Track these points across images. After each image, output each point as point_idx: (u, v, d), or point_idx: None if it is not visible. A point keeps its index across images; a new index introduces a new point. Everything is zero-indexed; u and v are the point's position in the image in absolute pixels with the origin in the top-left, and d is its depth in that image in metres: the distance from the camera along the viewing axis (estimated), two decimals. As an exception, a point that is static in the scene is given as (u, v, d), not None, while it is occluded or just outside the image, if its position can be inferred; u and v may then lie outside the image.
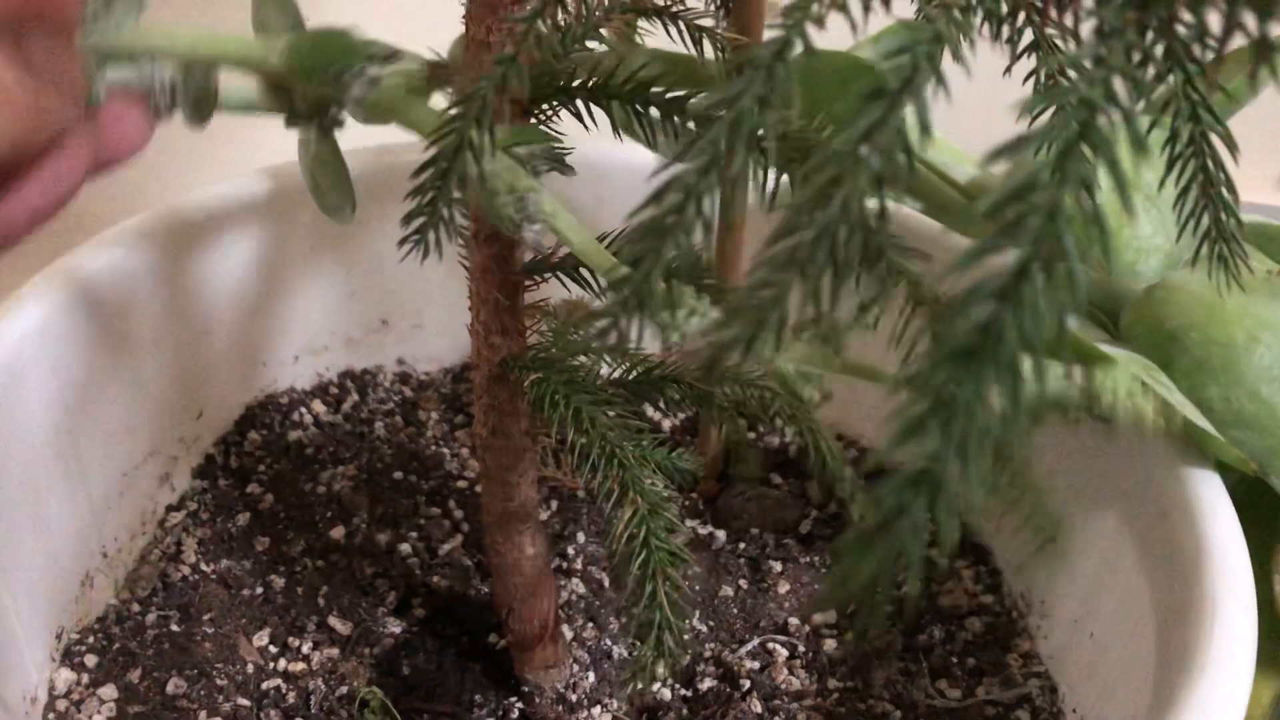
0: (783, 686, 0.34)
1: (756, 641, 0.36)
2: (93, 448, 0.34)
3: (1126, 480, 0.32)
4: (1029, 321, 0.13)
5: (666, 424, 0.44)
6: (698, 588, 0.38)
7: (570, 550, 0.38)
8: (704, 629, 0.37)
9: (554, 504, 0.40)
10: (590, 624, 0.36)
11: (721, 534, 0.40)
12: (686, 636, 0.36)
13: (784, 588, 0.38)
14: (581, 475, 0.27)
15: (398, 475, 0.40)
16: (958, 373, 0.13)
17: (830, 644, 0.36)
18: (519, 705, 0.34)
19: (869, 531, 0.14)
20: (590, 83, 0.24)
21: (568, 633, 0.36)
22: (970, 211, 0.35)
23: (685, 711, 0.34)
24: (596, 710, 0.34)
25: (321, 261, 0.41)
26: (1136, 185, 0.33)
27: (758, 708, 0.34)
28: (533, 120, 0.25)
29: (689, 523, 0.40)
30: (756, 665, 0.35)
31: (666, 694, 0.35)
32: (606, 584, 0.38)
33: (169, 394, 0.37)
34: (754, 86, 0.16)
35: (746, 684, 0.34)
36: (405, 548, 0.37)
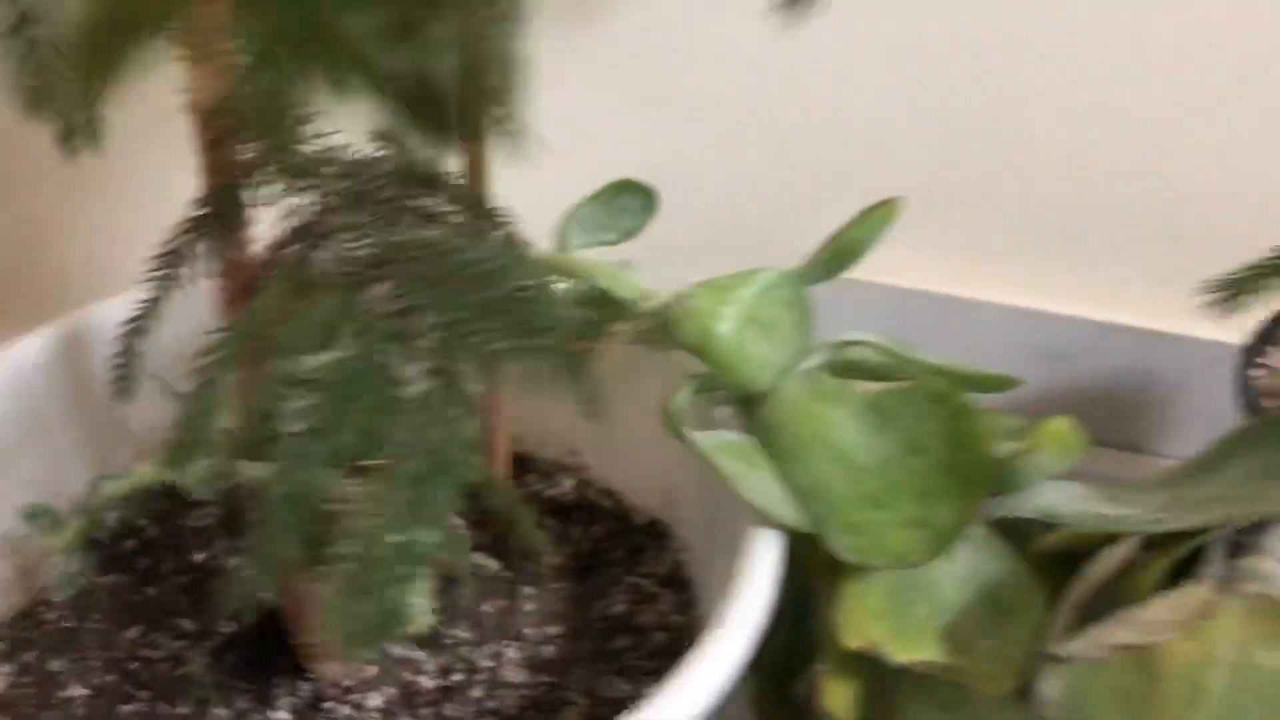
0: (506, 679, 0.47)
1: (496, 646, 0.48)
2: (15, 497, 0.48)
3: (731, 534, 0.43)
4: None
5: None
6: (467, 606, 0.50)
7: (372, 574, 0.51)
8: (466, 636, 0.49)
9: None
10: (381, 630, 0.49)
11: (496, 565, 0.52)
12: (450, 641, 0.49)
13: (529, 606, 0.50)
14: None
15: (249, 516, 0.53)
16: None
17: (549, 649, 0.48)
18: (308, 687, 0.46)
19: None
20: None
21: (358, 636, 0.48)
22: (649, 328, 0.47)
23: (436, 696, 0.47)
24: (372, 694, 0.46)
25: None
26: (757, 322, 0.45)
27: (479, 693, 0.46)
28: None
29: (476, 555, 0.53)
30: (491, 663, 0.47)
31: (429, 683, 0.47)
32: (399, 600, 0.50)
33: (72, 463, 0.51)
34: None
35: (480, 677, 0.47)
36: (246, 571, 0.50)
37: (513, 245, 0.28)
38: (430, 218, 0.29)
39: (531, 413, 0.57)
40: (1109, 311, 0.62)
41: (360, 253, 0.25)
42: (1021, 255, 0.63)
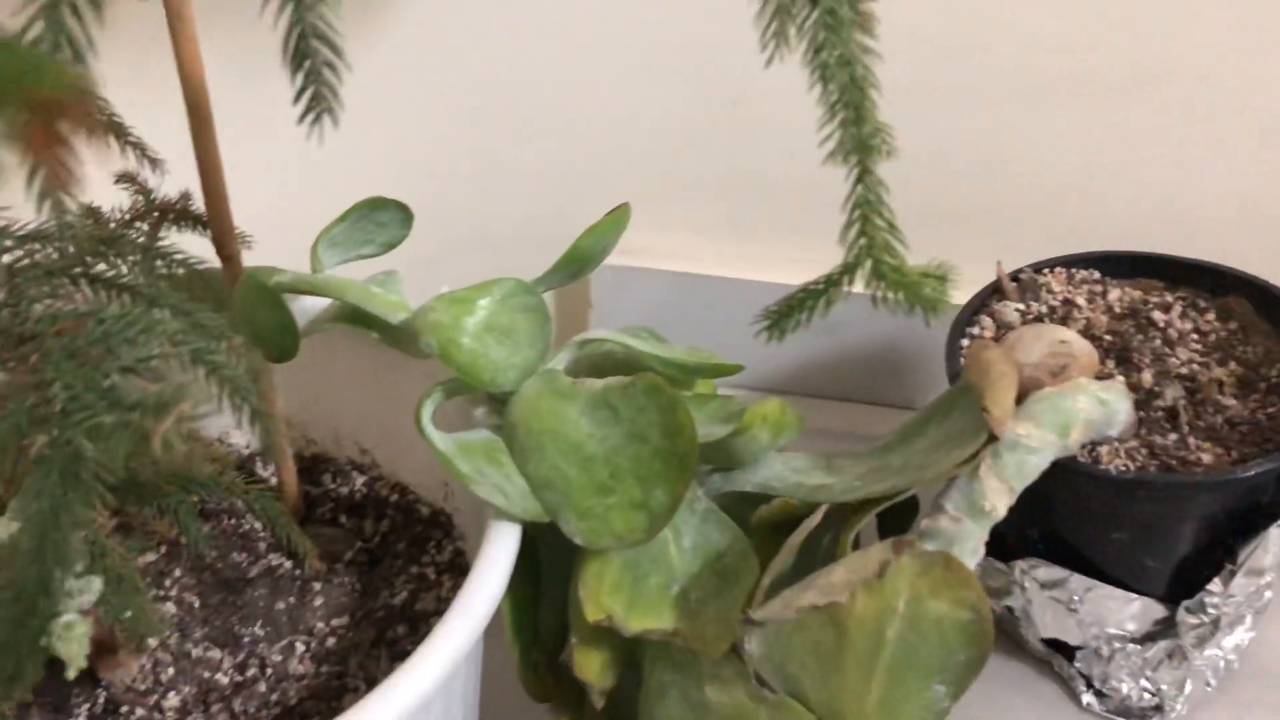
0: (292, 671, 0.50)
1: (286, 640, 0.52)
2: None
3: (478, 528, 0.47)
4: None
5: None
6: (262, 605, 0.54)
7: (168, 582, 0.54)
8: (261, 634, 0.53)
9: (162, 549, 0.55)
10: (178, 634, 0.52)
11: (289, 563, 0.55)
12: (247, 639, 0.52)
13: (318, 601, 0.53)
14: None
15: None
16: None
17: (332, 640, 0.52)
18: (104, 694, 0.49)
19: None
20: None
21: (154, 643, 0.51)
22: (402, 338, 0.50)
23: (230, 691, 0.50)
24: (171, 694, 0.50)
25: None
26: (495, 329, 0.48)
27: (264, 688, 0.49)
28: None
29: (271, 556, 0.56)
30: (280, 658, 0.51)
31: (224, 679, 0.51)
32: (196, 605, 0.54)
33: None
34: None
35: (269, 671, 0.50)
36: (43, 587, 0.53)
37: (184, 302, 0.31)
38: (108, 284, 0.32)
39: (324, 413, 0.60)
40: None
41: (15, 328, 0.28)
42: (784, 236, 0.67)
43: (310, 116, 0.25)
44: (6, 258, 0.31)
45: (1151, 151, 0.61)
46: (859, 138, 0.28)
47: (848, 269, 0.35)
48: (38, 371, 0.27)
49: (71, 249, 0.32)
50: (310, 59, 0.24)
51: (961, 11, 0.59)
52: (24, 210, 0.36)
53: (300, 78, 0.25)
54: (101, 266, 0.32)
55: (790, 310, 0.39)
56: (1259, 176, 0.60)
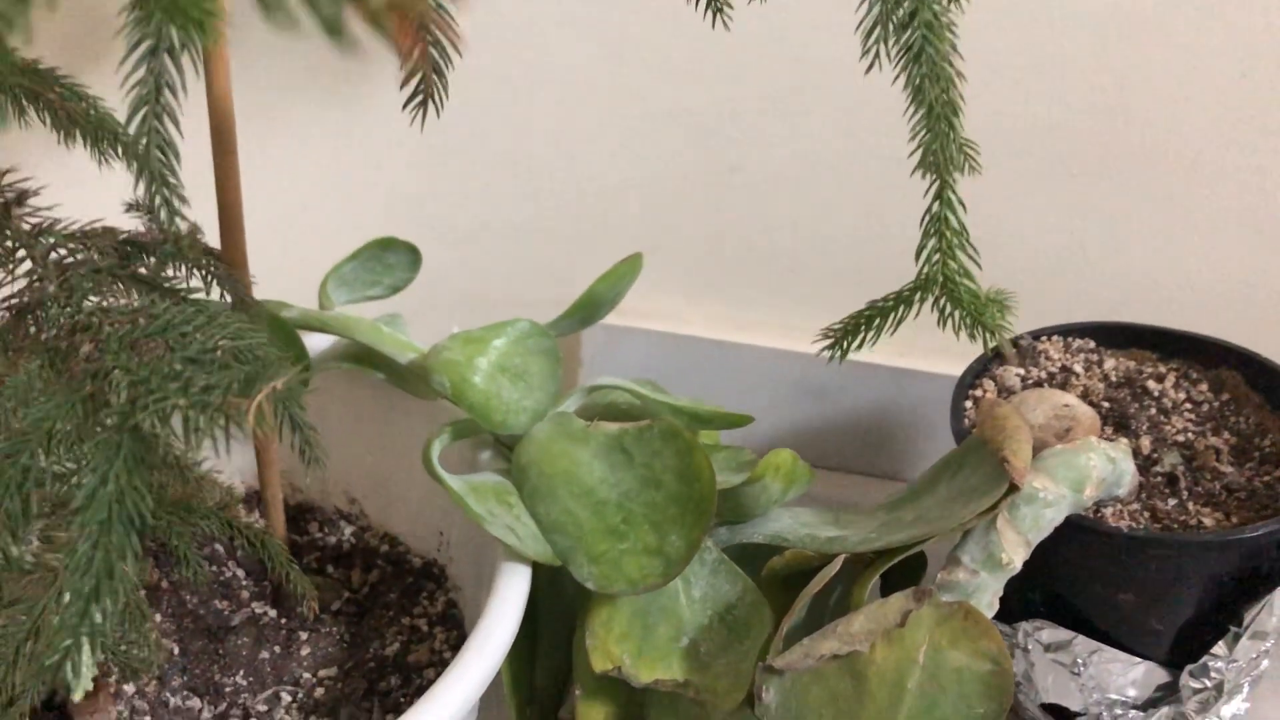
0: (278, 721, 0.48)
1: (272, 690, 0.50)
2: None
3: (490, 571, 0.46)
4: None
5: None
6: (245, 654, 0.52)
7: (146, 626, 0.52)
8: (243, 683, 0.50)
9: (141, 593, 0.53)
10: (156, 682, 0.50)
11: (274, 612, 0.54)
12: (228, 689, 0.50)
13: (305, 651, 0.52)
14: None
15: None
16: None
17: (320, 691, 0.50)
18: (79, 742, 0.47)
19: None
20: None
21: (131, 689, 0.49)
22: (409, 378, 0.50)
23: (209, 743, 0.48)
24: (148, 745, 0.48)
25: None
26: (508, 370, 0.48)
27: (250, 737, 0.47)
28: None
29: (255, 605, 0.54)
30: (265, 708, 0.49)
31: (203, 731, 0.48)
32: (175, 652, 0.51)
33: None
34: None
35: (253, 720, 0.48)
36: (15, 629, 0.51)
37: (230, 307, 0.30)
38: (150, 284, 0.31)
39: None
40: (859, 352, 0.67)
41: (65, 319, 0.27)
42: (774, 302, 0.67)
43: (417, 99, 0.24)
44: (53, 255, 0.30)
45: (1137, 229, 0.62)
46: (949, 151, 0.29)
47: (920, 285, 0.35)
48: (93, 361, 0.26)
49: (114, 250, 0.32)
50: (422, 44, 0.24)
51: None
52: (64, 211, 0.35)
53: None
54: (143, 271, 0.32)
55: (857, 327, 0.39)
56: (1240, 255, 0.62)
